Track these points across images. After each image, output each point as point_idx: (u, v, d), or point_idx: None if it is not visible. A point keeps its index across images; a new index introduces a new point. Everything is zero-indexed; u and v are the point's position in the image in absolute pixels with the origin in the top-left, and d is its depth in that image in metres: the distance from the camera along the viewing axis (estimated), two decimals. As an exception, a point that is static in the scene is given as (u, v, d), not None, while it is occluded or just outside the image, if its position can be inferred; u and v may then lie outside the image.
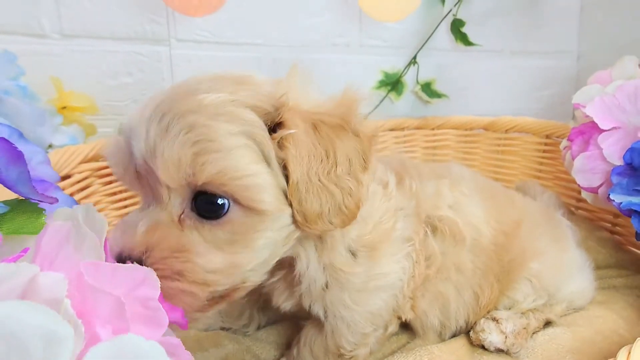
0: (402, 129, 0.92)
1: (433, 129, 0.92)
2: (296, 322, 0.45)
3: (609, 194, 0.47)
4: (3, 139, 0.24)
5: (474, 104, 1.00)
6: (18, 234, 0.23)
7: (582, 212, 0.69)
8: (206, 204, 0.28)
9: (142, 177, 0.29)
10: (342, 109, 0.32)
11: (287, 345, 0.46)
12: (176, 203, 0.28)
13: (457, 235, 0.40)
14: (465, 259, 0.41)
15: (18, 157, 0.24)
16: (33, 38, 0.73)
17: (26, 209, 0.26)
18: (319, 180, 0.29)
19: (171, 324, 0.23)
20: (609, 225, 0.66)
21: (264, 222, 0.29)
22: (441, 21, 0.90)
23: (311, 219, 0.30)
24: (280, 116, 0.29)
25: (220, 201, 0.28)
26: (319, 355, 0.40)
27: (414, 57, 0.91)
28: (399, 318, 0.42)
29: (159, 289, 0.19)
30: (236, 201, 0.28)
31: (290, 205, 0.30)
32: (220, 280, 0.29)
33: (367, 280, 0.37)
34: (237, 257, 0.29)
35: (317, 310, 0.37)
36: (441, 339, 0.43)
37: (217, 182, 0.27)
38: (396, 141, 0.92)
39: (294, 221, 0.30)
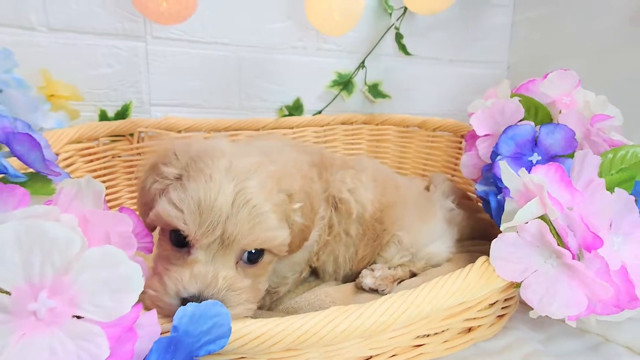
0: (351, 123, 1.06)
1: (377, 124, 1.06)
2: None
3: (476, 184, 0.63)
4: (26, 134, 0.37)
5: (415, 104, 1.14)
6: (37, 195, 0.37)
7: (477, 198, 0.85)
8: (254, 255, 0.43)
9: (216, 240, 0.40)
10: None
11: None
12: (236, 256, 0.42)
13: (349, 211, 0.55)
14: (352, 228, 0.56)
15: (36, 145, 0.37)
16: (22, 30, 0.83)
17: (38, 179, 0.39)
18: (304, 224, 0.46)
19: (139, 251, 0.37)
20: (497, 210, 0.83)
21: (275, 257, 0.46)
22: (386, 32, 1.04)
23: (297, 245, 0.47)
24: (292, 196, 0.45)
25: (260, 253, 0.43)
26: None
27: (363, 62, 1.05)
28: (310, 266, 0.57)
29: (132, 226, 0.33)
30: (269, 251, 0.43)
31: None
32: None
33: None
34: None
35: None
36: (335, 279, 0.59)
37: (265, 246, 0.42)
38: (345, 134, 1.06)
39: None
